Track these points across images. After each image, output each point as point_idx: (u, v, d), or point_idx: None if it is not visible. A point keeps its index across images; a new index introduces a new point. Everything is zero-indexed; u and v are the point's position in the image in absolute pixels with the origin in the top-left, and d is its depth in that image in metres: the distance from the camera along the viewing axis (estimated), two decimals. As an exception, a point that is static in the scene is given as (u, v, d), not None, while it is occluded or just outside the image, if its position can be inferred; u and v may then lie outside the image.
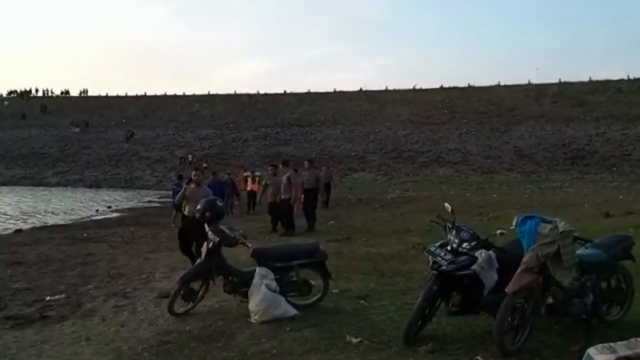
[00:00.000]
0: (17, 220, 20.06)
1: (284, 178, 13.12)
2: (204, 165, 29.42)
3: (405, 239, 10.94)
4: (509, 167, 36.78)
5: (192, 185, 8.76)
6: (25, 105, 63.07)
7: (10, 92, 74.66)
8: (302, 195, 13.85)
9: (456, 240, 4.66)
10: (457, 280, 4.59)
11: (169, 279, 8.27)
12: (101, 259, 10.67)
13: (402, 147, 42.73)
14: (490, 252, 4.57)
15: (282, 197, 13.02)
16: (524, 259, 4.34)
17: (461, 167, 37.59)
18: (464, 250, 4.59)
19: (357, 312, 5.71)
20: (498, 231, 9.70)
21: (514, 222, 4.67)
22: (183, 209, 9.20)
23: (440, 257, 4.59)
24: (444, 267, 4.55)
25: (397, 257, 8.94)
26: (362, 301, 6.14)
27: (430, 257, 4.71)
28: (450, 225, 4.81)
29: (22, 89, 74.37)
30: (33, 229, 17.03)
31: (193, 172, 8.89)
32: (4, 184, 40.28)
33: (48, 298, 7.58)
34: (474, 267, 4.46)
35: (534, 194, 24.11)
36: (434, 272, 4.67)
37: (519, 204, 17.94)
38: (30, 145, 50.55)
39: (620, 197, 19.19)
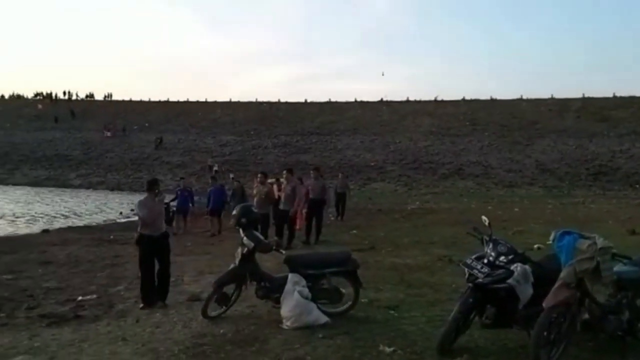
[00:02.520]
0: (43, 220, 20.42)
1: (288, 188, 12.15)
2: (231, 175, 29.28)
3: (430, 251, 10.93)
4: (530, 182, 36.45)
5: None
6: (54, 109, 63.89)
7: (37, 95, 75.97)
8: (304, 209, 13.06)
9: (493, 254, 4.69)
10: (492, 293, 4.62)
11: (197, 283, 8.41)
12: (129, 260, 10.80)
13: (423, 158, 42.59)
14: (527, 266, 4.59)
15: (283, 207, 12.06)
16: (562, 274, 4.34)
17: (482, 180, 37.34)
18: (501, 264, 4.62)
19: (387, 322, 5.75)
20: (535, 245, 9.68)
21: (552, 237, 4.68)
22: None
23: (477, 269, 4.63)
24: (480, 280, 4.59)
25: (424, 268, 8.95)
26: (392, 311, 6.18)
27: (466, 270, 4.74)
28: (487, 238, 4.85)
29: (48, 92, 75.67)
30: (60, 229, 17.32)
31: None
32: (27, 184, 40.90)
33: (80, 298, 7.73)
34: (510, 280, 4.49)
35: (556, 209, 23.86)
36: (470, 284, 4.71)
37: (542, 219, 17.82)
38: (54, 147, 51.29)
39: (645, 214, 18.94)
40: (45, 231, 16.56)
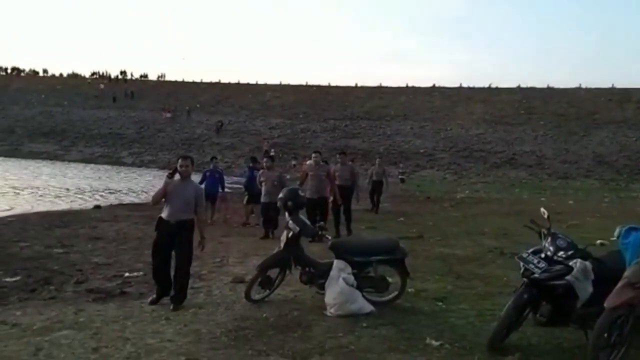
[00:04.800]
0: (97, 195, 20.98)
1: (322, 174, 10.79)
2: (293, 163, 28.45)
3: (480, 242, 10.61)
4: (586, 173, 35.32)
5: (177, 179, 6.17)
6: (111, 89, 65.45)
7: (93, 74, 78.22)
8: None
9: (551, 248, 4.42)
10: (549, 290, 4.36)
11: (242, 264, 8.37)
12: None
13: (474, 147, 41.79)
14: (587, 262, 4.31)
15: (312, 195, 10.47)
16: (626, 273, 4.04)
17: (535, 170, 36.37)
18: (559, 259, 4.35)
19: (435, 314, 5.55)
20: (598, 241, 9.22)
21: (616, 233, 4.39)
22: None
23: (534, 264, 4.37)
24: (536, 275, 4.33)
25: (473, 259, 8.67)
26: (440, 303, 5.97)
27: (521, 264, 4.49)
28: (546, 232, 4.58)
29: (104, 72, 77.88)
30: (111, 206, 17.69)
31: (179, 161, 6.14)
32: (82, 161, 42.15)
33: (127, 274, 7.78)
34: (569, 277, 4.23)
35: (613, 202, 23.00)
36: (525, 279, 4.46)
37: (598, 213, 17.17)
38: (108, 125, 52.68)
39: None
40: (97, 207, 16.93)
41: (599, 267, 4.36)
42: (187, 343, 4.62)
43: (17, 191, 21.10)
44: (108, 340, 4.65)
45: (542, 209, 4.74)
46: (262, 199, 11.07)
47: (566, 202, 22.37)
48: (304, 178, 11.13)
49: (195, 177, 8.40)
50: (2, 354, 4.35)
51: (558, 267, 4.30)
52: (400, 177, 28.10)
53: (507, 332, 4.54)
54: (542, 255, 4.43)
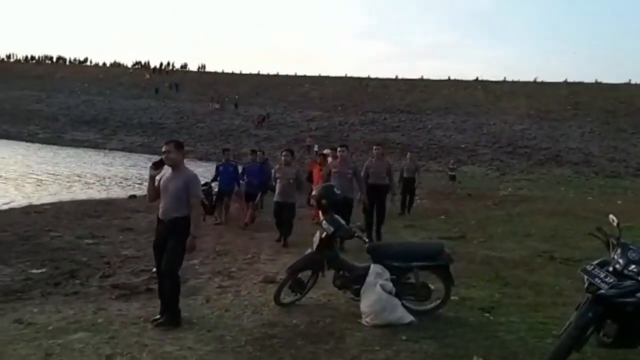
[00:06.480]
0: (131, 184, 20.96)
1: (349, 171, 9.29)
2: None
3: (527, 244, 9.95)
4: (635, 172, 33.83)
5: (168, 170, 5.22)
6: (154, 80, 66.08)
7: (135, 64, 79.33)
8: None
9: (621, 261, 3.85)
10: (617, 308, 3.80)
11: (273, 262, 8.01)
12: (209, 233, 10.61)
13: (518, 142, 40.59)
14: (661, 278, 3.73)
15: (344, 195, 7.92)
16: None
17: (581, 168, 35.05)
18: (630, 274, 3.78)
19: (481, 327, 5.02)
20: None
21: (699, 245, 3.79)
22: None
23: (600, 278, 3.81)
24: (603, 292, 3.77)
25: (522, 264, 8.04)
26: (487, 314, 5.42)
27: (585, 277, 3.93)
28: (615, 242, 4.00)
29: (146, 61, 78.96)
30: (145, 195, 17.55)
31: (164, 147, 5.16)
32: (122, 149, 42.55)
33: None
34: (641, 294, 3.66)
35: (666, 204, 21.81)
36: (589, 295, 3.90)
37: (651, 214, 16.21)
38: (149, 115, 53.15)
39: None
40: (132, 197, 16.84)
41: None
42: (209, 352, 4.24)
43: (54, 179, 21.26)
44: (124, 346, 4.30)
45: (611, 216, 4.16)
46: (275, 198, 9.92)
47: (615, 202, 21.30)
48: (327, 174, 9.60)
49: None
50: (9, 359, 4.04)
51: (628, 282, 3.74)
52: (450, 173, 27.12)
53: (566, 354, 4.01)
54: (610, 269, 3.87)
